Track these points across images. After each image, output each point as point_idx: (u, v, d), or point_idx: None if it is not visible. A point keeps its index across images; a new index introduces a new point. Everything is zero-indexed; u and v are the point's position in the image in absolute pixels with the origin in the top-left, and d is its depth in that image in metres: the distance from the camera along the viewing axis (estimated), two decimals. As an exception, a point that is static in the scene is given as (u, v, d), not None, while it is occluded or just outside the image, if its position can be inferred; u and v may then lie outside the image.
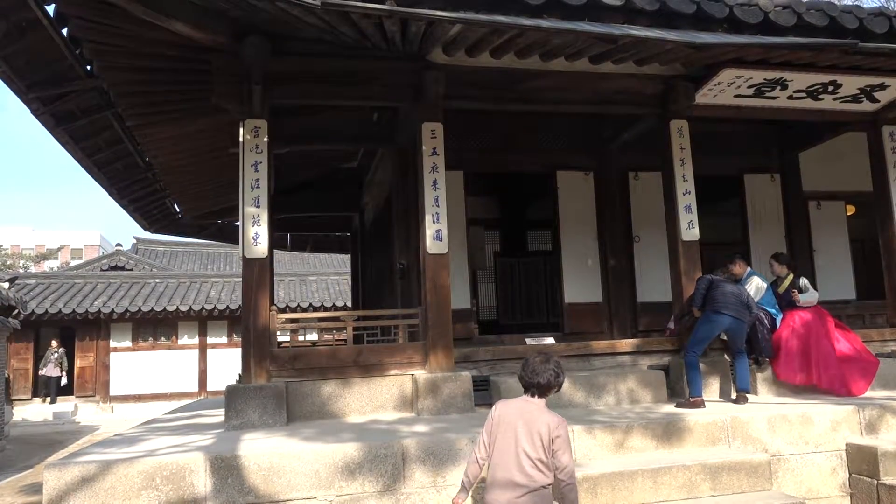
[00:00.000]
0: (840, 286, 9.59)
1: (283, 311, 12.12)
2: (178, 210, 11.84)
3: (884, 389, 6.82)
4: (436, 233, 6.55)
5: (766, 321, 6.96)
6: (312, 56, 6.44)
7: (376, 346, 6.64)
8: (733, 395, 6.55)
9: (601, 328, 8.85)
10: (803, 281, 7.32)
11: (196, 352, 22.06)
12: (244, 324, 6.19)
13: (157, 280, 23.17)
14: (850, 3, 6.89)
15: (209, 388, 21.37)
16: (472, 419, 5.85)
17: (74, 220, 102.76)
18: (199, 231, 13.80)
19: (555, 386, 4.03)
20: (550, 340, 7.53)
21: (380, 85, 6.82)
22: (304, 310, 21.76)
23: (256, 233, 6.19)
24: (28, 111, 7.25)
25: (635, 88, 7.33)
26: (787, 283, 7.30)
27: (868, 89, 7.28)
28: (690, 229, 7.32)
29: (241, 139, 6.32)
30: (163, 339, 21.94)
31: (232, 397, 5.95)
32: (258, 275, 6.20)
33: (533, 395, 4.01)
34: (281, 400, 5.97)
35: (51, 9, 5.85)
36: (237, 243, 6.49)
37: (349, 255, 14.95)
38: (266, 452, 4.75)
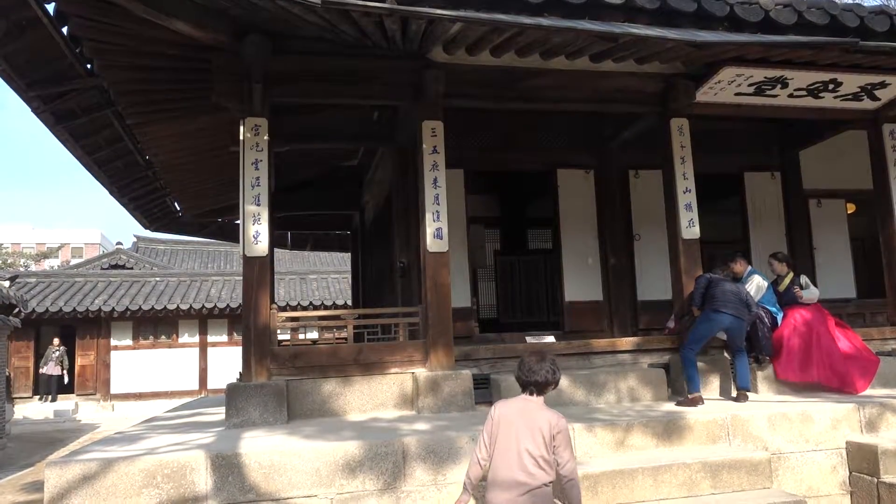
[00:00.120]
0: (840, 284, 9.59)
1: (283, 309, 12.12)
2: (178, 208, 11.84)
3: (884, 388, 6.82)
4: (436, 231, 6.55)
5: (766, 319, 6.96)
6: (313, 55, 6.44)
7: (377, 345, 6.65)
8: (734, 394, 6.56)
9: (601, 326, 8.85)
10: (804, 279, 7.33)
11: (196, 350, 22.08)
12: (245, 322, 6.19)
13: (158, 278, 23.18)
14: (850, 1, 6.88)
15: (210, 386, 21.39)
16: (473, 417, 5.85)
17: (75, 218, 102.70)
18: (200, 229, 13.81)
19: (552, 383, 4.05)
20: (551, 339, 7.54)
21: (380, 83, 6.82)
22: (305, 308, 21.76)
23: (257, 231, 6.19)
24: (28, 109, 7.27)
25: (636, 87, 7.32)
26: (787, 281, 7.31)
27: (869, 87, 7.28)
28: (691, 227, 7.32)
29: (241, 137, 6.32)
30: (163, 337, 21.95)
31: (232, 395, 5.95)
32: (259, 273, 6.20)
33: (531, 394, 4.02)
34: (281, 398, 5.98)
35: (51, 7, 5.86)
36: (237, 242, 6.50)
37: (349, 254, 14.96)
38: (267, 450, 4.75)
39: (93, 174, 9.17)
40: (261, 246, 6.20)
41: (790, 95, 7.31)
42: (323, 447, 4.82)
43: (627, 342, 7.42)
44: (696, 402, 6.19)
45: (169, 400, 18.97)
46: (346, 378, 6.27)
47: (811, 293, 7.15)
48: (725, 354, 7.01)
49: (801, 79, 6.99)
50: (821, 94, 7.32)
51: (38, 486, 9.25)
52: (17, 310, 15.60)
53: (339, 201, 12.27)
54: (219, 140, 8.24)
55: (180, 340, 22.03)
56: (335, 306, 21.80)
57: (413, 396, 6.33)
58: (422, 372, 6.36)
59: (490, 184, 10.71)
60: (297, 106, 7.59)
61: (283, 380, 6.10)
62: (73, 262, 39.07)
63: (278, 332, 6.38)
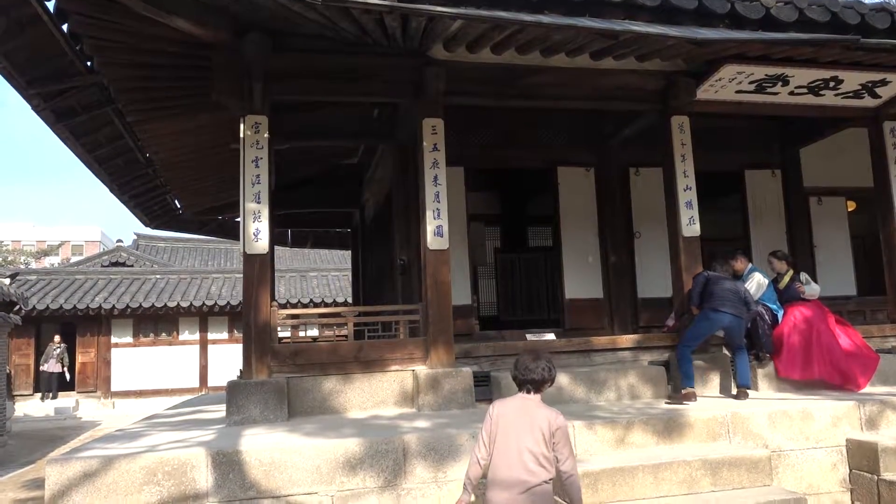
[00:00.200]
0: (841, 282, 9.59)
1: (283, 306, 12.14)
2: (178, 206, 11.85)
3: (884, 385, 6.82)
4: (436, 229, 6.55)
5: (767, 317, 6.96)
6: (313, 52, 6.43)
7: (377, 342, 6.65)
8: (734, 391, 6.56)
9: (602, 324, 8.85)
10: (804, 276, 7.34)
11: (197, 347, 22.09)
12: (245, 320, 6.19)
13: (158, 276, 23.18)
14: (851, -2, 6.87)
15: (210, 383, 21.39)
16: (473, 415, 5.86)
17: (75, 216, 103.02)
18: (200, 227, 13.82)
19: (548, 380, 4.05)
20: (551, 336, 7.54)
21: (380, 81, 6.81)
22: (305, 306, 21.78)
23: (257, 229, 6.19)
24: (29, 107, 7.27)
25: (636, 84, 7.32)
26: (787, 279, 7.31)
27: (869, 85, 7.28)
28: (691, 225, 7.32)
29: (241, 135, 6.32)
30: (164, 334, 21.96)
31: (233, 393, 5.96)
32: (259, 271, 6.20)
33: (529, 392, 4.02)
34: (282, 395, 5.98)
35: (51, 5, 5.86)
36: (238, 239, 6.51)
37: (350, 251, 14.97)
38: (267, 448, 4.76)
39: (93, 172, 9.18)
40: (261, 243, 6.20)
41: (791, 93, 7.30)
42: (323, 444, 4.83)
43: (628, 340, 7.43)
44: (688, 397, 6.17)
45: (169, 397, 18.98)
46: (346, 375, 6.28)
47: (812, 289, 7.18)
48: (726, 352, 7.00)
49: (801, 76, 6.98)
50: (821, 92, 7.32)
51: (38, 484, 9.27)
52: (17, 307, 15.62)
53: (339, 199, 12.29)
54: (219, 137, 8.24)
55: (181, 338, 22.04)
56: (335, 304, 21.79)
57: (413, 394, 6.33)
58: (422, 369, 6.37)
59: (490, 181, 10.70)
60: (297, 103, 7.59)
61: (283, 377, 6.10)
62: (74, 259, 39.13)
63: (279, 329, 6.39)
